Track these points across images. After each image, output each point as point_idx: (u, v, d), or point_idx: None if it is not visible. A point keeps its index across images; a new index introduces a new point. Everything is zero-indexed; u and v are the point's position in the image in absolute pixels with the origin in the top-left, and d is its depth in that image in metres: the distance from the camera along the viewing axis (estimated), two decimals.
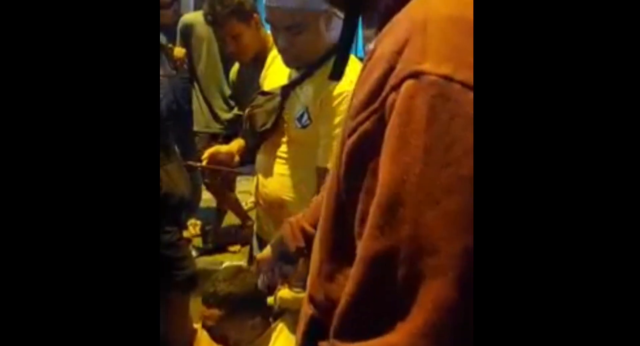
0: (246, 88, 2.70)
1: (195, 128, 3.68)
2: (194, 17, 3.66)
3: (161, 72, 3.67)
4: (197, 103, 3.68)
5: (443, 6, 0.63)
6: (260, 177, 2.02)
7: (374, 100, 0.63)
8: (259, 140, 1.99)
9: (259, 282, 1.33)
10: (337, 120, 1.78)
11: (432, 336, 0.58)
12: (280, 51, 1.88)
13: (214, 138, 3.46)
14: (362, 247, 0.63)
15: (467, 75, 0.58)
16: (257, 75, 2.26)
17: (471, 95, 0.58)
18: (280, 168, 1.95)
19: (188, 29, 3.63)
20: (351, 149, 0.66)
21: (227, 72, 3.36)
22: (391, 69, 0.62)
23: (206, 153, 2.26)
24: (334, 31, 1.85)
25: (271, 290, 1.90)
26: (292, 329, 1.73)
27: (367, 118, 0.64)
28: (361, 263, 0.62)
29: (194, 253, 3.52)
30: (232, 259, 3.49)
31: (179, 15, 3.86)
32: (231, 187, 3.81)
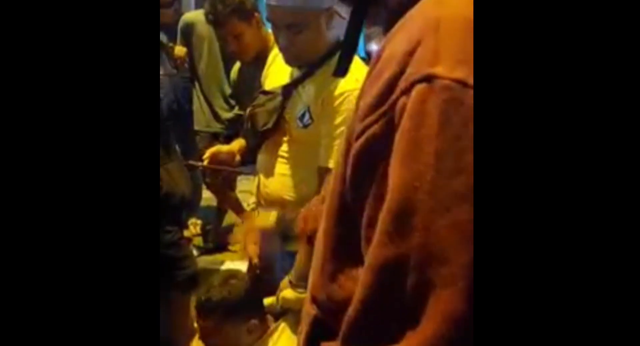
0: (247, 87, 2.70)
1: (196, 127, 3.68)
2: (194, 16, 3.66)
3: (162, 71, 3.68)
4: (198, 103, 3.67)
5: (459, 6, 0.60)
6: (262, 176, 2.01)
7: (383, 103, 0.61)
8: (260, 139, 1.99)
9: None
10: (339, 119, 1.78)
11: None
12: (281, 50, 1.88)
13: (214, 138, 3.46)
14: (371, 254, 0.61)
15: None
16: (258, 74, 2.25)
17: None
18: (282, 167, 1.95)
19: (189, 28, 3.63)
20: (358, 152, 0.64)
21: (228, 71, 3.36)
22: (402, 70, 0.60)
23: (207, 153, 2.26)
24: (335, 30, 1.84)
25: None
26: (295, 329, 1.72)
27: (375, 121, 0.62)
28: (370, 270, 0.61)
29: (194, 252, 3.52)
30: (233, 258, 3.49)
31: (179, 14, 3.86)
32: (232, 186, 3.81)
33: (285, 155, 1.94)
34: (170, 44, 3.66)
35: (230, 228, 4.03)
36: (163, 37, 3.58)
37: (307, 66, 1.88)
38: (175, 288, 2.29)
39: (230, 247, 3.88)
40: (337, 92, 1.79)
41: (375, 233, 0.61)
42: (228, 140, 2.83)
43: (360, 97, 0.67)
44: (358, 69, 1.38)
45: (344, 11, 0.83)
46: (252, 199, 2.15)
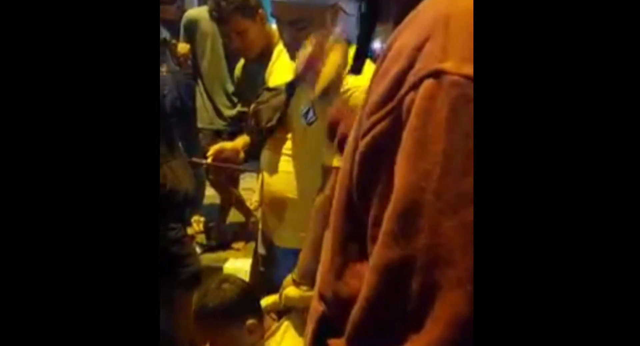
0: (251, 84, 2.69)
1: (199, 124, 3.68)
2: (198, 12, 3.66)
3: (165, 69, 3.67)
4: (201, 100, 3.67)
5: (468, 2, 0.59)
6: (265, 174, 2.01)
7: (391, 99, 0.60)
8: (264, 136, 1.99)
9: None
10: None
11: None
12: (286, 46, 1.87)
13: (218, 135, 3.47)
14: (376, 254, 0.61)
15: None
16: (262, 71, 2.25)
17: None
18: (285, 165, 1.94)
19: (192, 25, 3.63)
20: (365, 150, 0.63)
21: (231, 68, 3.36)
22: (410, 66, 0.59)
23: (211, 150, 2.26)
24: (340, 26, 1.83)
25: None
26: (298, 328, 1.71)
27: (383, 118, 0.61)
28: (375, 270, 0.61)
29: (197, 250, 3.52)
30: (236, 256, 3.49)
31: (182, 10, 3.86)
32: (235, 183, 3.81)
33: (289, 152, 1.93)
34: (173, 41, 3.66)
35: (233, 226, 4.03)
36: (166, 34, 3.58)
37: None
38: (179, 286, 2.29)
39: (233, 245, 3.88)
40: (342, 89, 1.78)
41: (380, 233, 0.60)
42: (231, 137, 2.83)
43: (367, 94, 0.66)
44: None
45: (349, 8, 0.82)
46: (256, 197, 2.14)
